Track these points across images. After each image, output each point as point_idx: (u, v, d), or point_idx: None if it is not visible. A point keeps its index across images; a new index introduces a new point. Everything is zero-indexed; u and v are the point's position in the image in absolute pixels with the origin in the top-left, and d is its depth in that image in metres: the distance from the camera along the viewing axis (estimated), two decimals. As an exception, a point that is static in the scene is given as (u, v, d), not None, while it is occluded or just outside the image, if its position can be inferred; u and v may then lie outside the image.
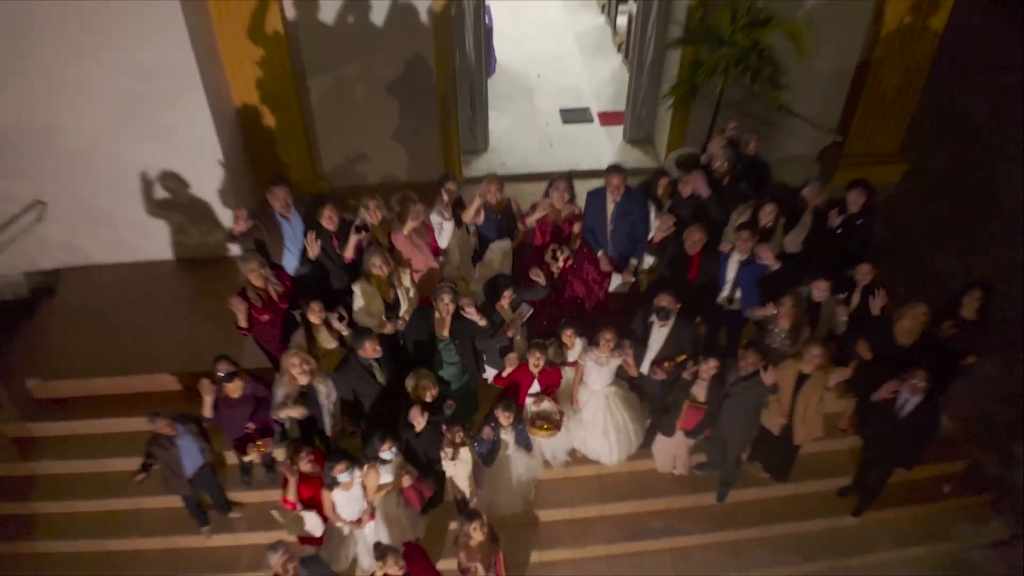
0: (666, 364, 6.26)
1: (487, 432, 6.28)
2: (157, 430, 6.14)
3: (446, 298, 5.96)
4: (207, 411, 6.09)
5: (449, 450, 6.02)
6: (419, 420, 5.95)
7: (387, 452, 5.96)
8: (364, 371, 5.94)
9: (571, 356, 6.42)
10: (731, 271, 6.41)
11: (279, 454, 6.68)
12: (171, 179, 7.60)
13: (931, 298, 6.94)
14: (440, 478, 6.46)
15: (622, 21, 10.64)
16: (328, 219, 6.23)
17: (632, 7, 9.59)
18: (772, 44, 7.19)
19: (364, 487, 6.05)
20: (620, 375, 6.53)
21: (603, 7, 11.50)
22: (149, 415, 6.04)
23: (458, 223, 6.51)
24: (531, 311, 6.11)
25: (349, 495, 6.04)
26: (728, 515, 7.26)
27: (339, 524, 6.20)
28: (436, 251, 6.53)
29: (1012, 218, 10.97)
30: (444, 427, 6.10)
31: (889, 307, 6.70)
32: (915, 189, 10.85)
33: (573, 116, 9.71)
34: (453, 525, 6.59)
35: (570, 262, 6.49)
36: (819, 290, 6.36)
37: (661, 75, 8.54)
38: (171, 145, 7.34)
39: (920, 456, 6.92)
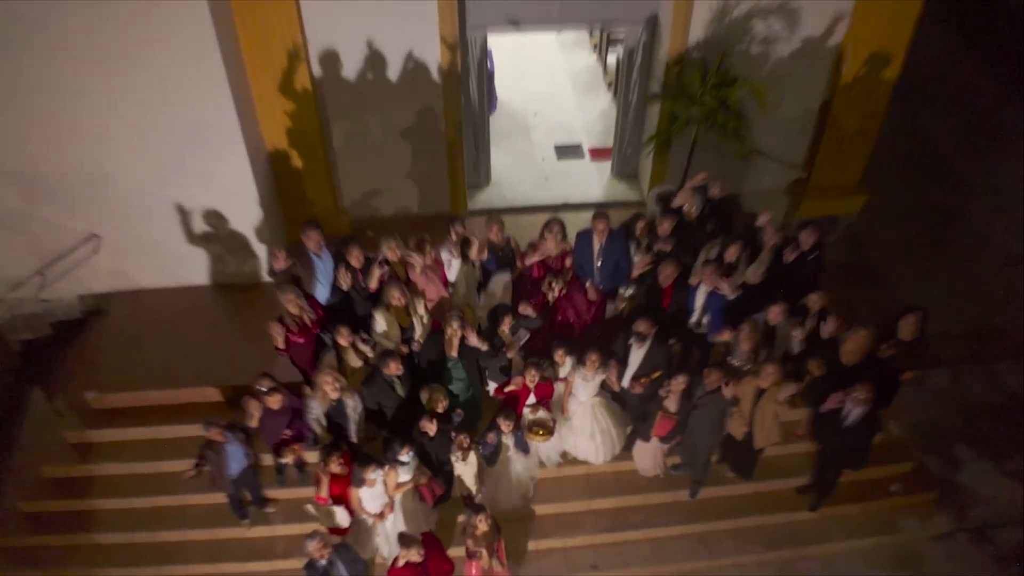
0: (643, 380, 7.41)
1: (490, 437, 7.42)
2: (209, 437, 7.27)
3: (455, 324, 7.10)
4: (253, 422, 7.22)
5: (458, 453, 7.16)
6: (431, 428, 7.09)
7: (405, 455, 7.09)
8: (387, 386, 7.09)
9: (562, 373, 7.56)
10: (699, 300, 7.55)
11: (311, 457, 7.84)
12: (212, 216, 8.75)
13: (888, 316, 8.09)
14: (449, 477, 7.58)
15: (612, 60, 11.76)
16: (355, 258, 7.38)
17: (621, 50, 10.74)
18: (740, 98, 8.33)
19: (385, 485, 7.19)
20: (604, 387, 7.66)
21: (595, 47, 12.61)
22: (204, 424, 7.17)
23: (465, 259, 7.67)
24: (527, 336, 7.25)
25: (373, 492, 7.16)
26: (699, 510, 8.39)
27: (364, 517, 7.33)
28: (446, 283, 7.68)
29: (969, 241, 12.11)
30: (453, 433, 7.24)
31: (843, 327, 7.84)
32: (880, 214, 11.95)
33: (566, 152, 10.87)
34: (461, 517, 7.74)
35: (563, 292, 7.64)
36: (774, 314, 7.50)
37: (644, 118, 9.69)
38: (213, 187, 8.49)
39: (865, 459, 8.03)
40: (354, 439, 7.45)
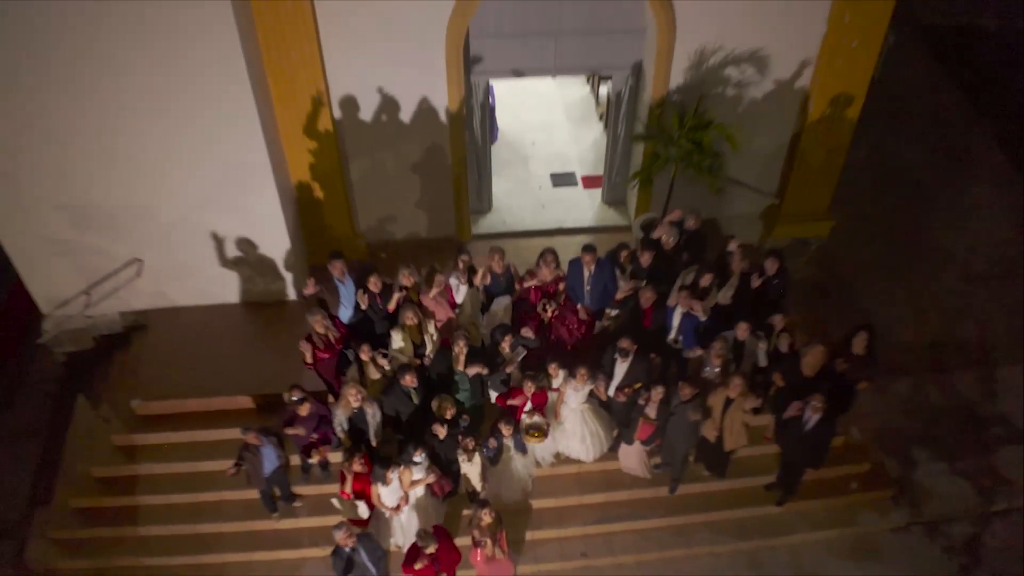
0: (627, 390, 8.56)
1: (491, 442, 8.57)
2: (247, 440, 8.42)
3: (461, 343, 8.26)
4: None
5: (464, 454, 8.31)
6: (442, 432, 8.24)
7: (418, 456, 8.23)
8: (404, 395, 8.24)
9: (555, 383, 8.71)
10: (676, 320, 8.71)
11: (334, 458, 9.00)
12: (244, 242, 9.90)
13: (842, 334, 9.23)
14: (457, 475, 8.73)
15: (604, 92, 12.90)
16: (374, 284, 8.54)
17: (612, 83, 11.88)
18: (714, 139, 9.49)
19: (401, 482, 8.33)
20: (592, 396, 8.81)
21: (588, 79, 13.75)
22: (243, 429, 8.32)
23: (470, 284, 8.83)
24: (525, 353, 8.40)
25: (390, 488, 8.30)
26: (678, 504, 9.58)
27: (382, 510, 8.48)
28: (453, 305, 8.85)
29: (933, 259, 13.24)
30: (460, 436, 8.39)
31: (803, 342, 8.98)
32: (850, 234, 13.09)
33: (561, 180, 12.03)
34: (467, 511, 8.88)
35: (556, 313, 8.79)
36: (741, 331, 8.66)
37: (631, 152, 10.84)
38: (246, 218, 9.65)
39: (823, 459, 9.19)
40: (373, 442, 8.58)
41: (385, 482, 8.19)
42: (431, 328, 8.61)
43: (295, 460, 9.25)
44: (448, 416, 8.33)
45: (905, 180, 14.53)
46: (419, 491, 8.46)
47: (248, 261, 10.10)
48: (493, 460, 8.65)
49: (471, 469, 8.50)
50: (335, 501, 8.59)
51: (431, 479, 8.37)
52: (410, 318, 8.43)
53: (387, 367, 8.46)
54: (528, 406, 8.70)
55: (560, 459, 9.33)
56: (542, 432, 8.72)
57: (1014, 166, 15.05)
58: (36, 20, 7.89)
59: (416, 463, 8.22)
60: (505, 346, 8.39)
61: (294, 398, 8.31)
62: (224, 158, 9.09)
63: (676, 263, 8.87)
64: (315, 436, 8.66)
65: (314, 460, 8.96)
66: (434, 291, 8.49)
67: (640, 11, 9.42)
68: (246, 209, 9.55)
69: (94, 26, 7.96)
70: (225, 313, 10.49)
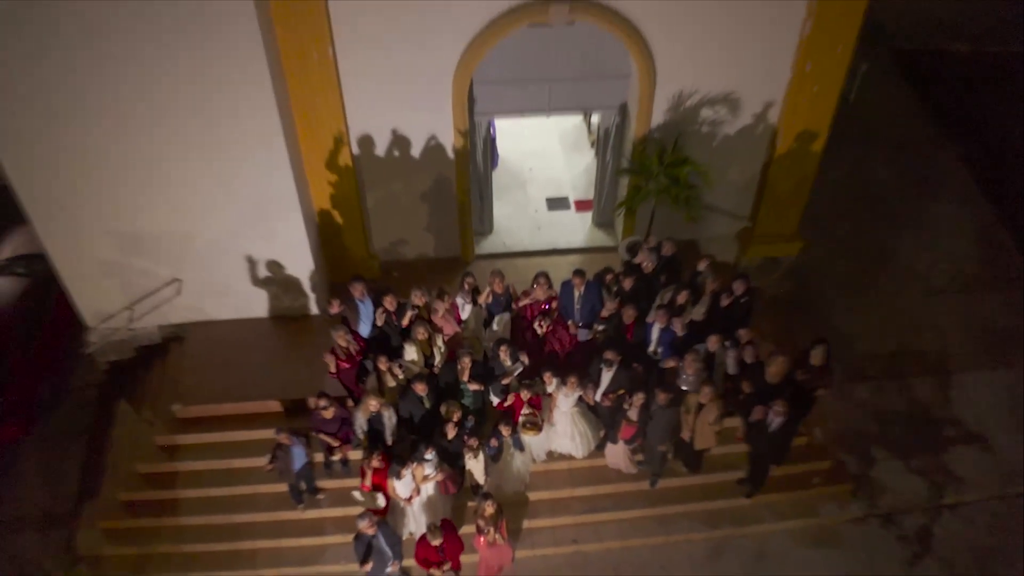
0: (611, 395, 9.87)
1: (493, 441, 9.88)
2: (280, 440, 9.72)
3: (466, 359, 9.59)
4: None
5: (470, 452, 9.62)
6: (451, 432, 9.55)
7: (429, 454, 9.52)
8: (417, 400, 9.56)
9: (548, 390, 10.01)
10: (655, 334, 10.02)
11: (354, 455, 10.30)
12: (272, 264, 11.22)
13: (802, 347, 10.53)
14: (462, 470, 10.04)
15: (595, 120, 14.19)
16: (389, 303, 9.87)
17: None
18: (689, 174, 10.80)
19: (413, 477, 9.62)
20: (581, 401, 10.11)
21: (581, 110, 15.07)
22: (276, 430, 9.62)
23: (474, 303, 10.15)
24: (522, 368, 9.73)
25: (404, 482, 9.59)
26: (658, 496, 10.89)
27: (397, 501, 9.78)
28: (459, 321, 10.16)
29: (898, 274, 14.53)
30: (466, 436, 9.69)
31: (767, 352, 10.28)
32: (821, 251, 14.38)
33: (556, 204, 13.35)
34: (472, 503, 10.18)
35: (550, 328, 10.10)
36: (712, 343, 9.97)
37: (617, 182, 12.15)
38: (274, 242, 10.97)
39: (785, 457, 10.51)
40: (389, 441, 9.89)
41: (399, 477, 9.49)
42: (439, 342, 9.92)
43: (319, 457, 10.57)
44: (455, 419, 9.63)
45: (874, 199, 15.82)
46: (429, 486, 9.76)
47: (276, 280, 11.41)
48: (494, 457, 9.96)
49: (475, 465, 9.81)
50: (356, 493, 9.90)
51: (440, 476, 9.66)
52: (421, 333, 9.75)
53: (401, 376, 9.77)
54: (525, 409, 10.02)
55: (553, 456, 10.66)
56: (537, 426, 10.03)
57: (978, 186, 16.34)
58: (92, 69, 9.14)
59: (427, 460, 9.51)
60: (504, 355, 9.69)
61: (322, 404, 9.62)
62: (256, 190, 10.39)
63: (655, 284, 10.19)
64: (337, 436, 9.99)
65: (336, 457, 10.29)
66: (442, 310, 9.80)
67: (625, 58, 10.71)
68: (275, 235, 10.87)
69: (146, 76, 9.24)
70: (255, 326, 11.80)
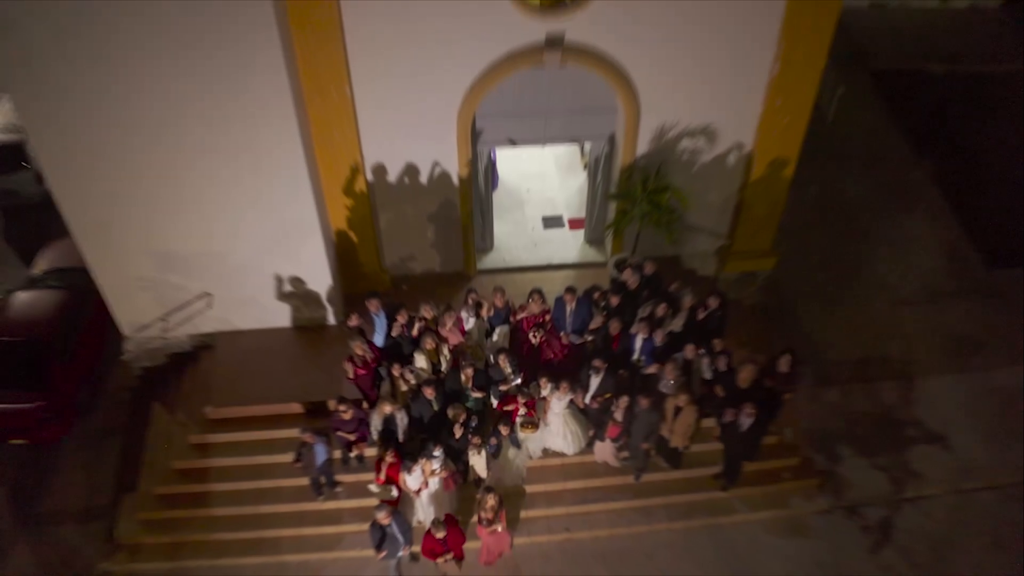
0: (599, 399, 11.16)
1: (494, 439, 11.16)
2: (304, 439, 11.00)
3: (469, 370, 10.87)
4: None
5: (473, 449, 10.91)
6: (458, 432, 10.84)
7: (436, 451, 10.80)
8: (427, 403, 10.85)
9: (543, 393, 11.30)
10: (638, 344, 11.31)
11: (370, 452, 11.60)
12: (295, 280, 12.52)
13: (771, 356, 11.81)
14: (466, 465, 11.32)
15: (587, 144, 15.45)
16: (401, 316, 11.16)
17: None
18: (670, 200, 12.09)
19: (423, 471, 10.90)
20: (572, 403, 11.39)
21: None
22: (301, 430, 10.92)
23: (477, 316, 11.44)
24: (519, 379, 11.01)
25: (414, 476, 10.87)
26: (642, 489, 12.20)
27: (408, 492, 11.07)
28: (463, 332, 11.45)
29: (868, 286, 15.81)
30: (470, 435, 10.97)
31: (739, 360, 11.55)
32: (796, 264, 15.64)
33: (551, 222, 14.66)
34: (478, 495, 11.44)
35: (544, 338, 11.39)
36: (689, 352, 11.26)
37: (607, 204, 13.44)
38: (296, 261, 12.27)
39: (756, 454, 11.79)
40: (401, 440, 11.18)
41: (410, 471, 10.78)
42: (446, 351, 11.22)
43: (337, 454, 11.85)
44: (461, 420, 10.92)
45: (848, 214, 17.09)
46: (436, 480, 11.03)
47: (297, 294, 12.72)
48: (495, 454, 11.24)
49: (478, 461, 11.10)
50: (371, 486, 11.21)
51: (445, 473, 10.94)
52: (430, 343, 11.05)
53: (412, 381, 11.07)
54: (522, 411, 11.31)
55: (548, 453, 11.96)
56: (534, 425, 11.33)
57: (947, 202, 17.61)
58: (138, 112, 10.42)
59: (435, 456, 10.79)
60: (504, 363, 10.99)
61: (341, 407, 10.92)
62: (280, 214, 11.69)
63: (638, 299, 11.49)
64: (354, 435, 11.29)
65: (354, 454, 11.59)
66: (449, 323, 11.11)
67: (613, 94, 11.98)
68: (297, 254, 12.17)
69: (185, 117, 10.52)
70: (278, 335, 13.11)
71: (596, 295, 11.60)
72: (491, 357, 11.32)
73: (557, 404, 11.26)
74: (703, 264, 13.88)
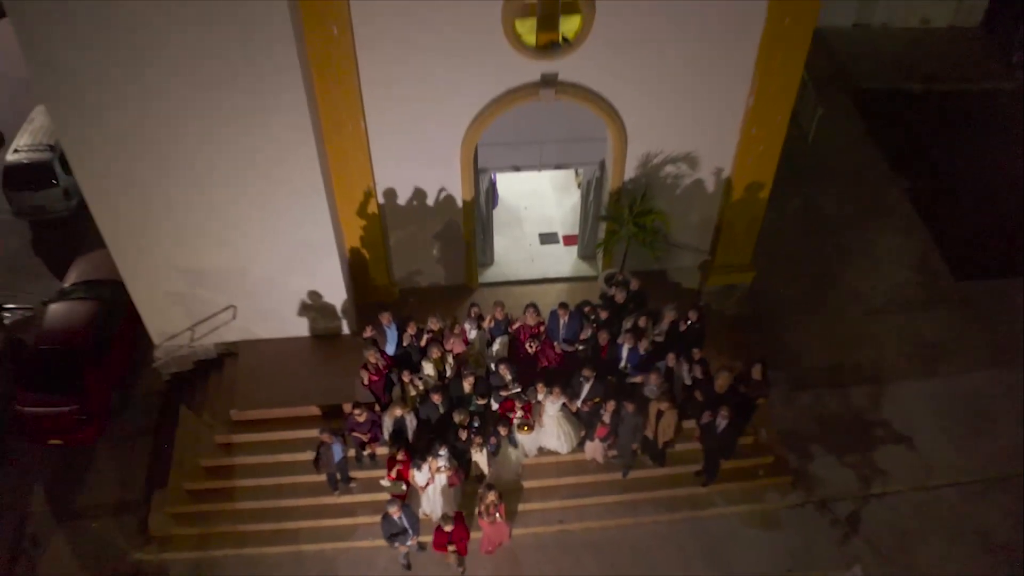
0: (589, 403, 12.45)
1: (494, 439, 12.45)
2: (322, 439, 12.28)
3: (471, 378, 12.15)
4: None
5: (475, 448, 12.20)
6: (464, 435, 12.10)
7: (442, 450, 12.08)
8: (433, 407, 12.14)
9: (539, 397, 12.57)
10: (624, 353, 12.60)
11: (381, 451, 12.89)
12: (312, 293, 13.82)
13: (745, 365, 13.07)
14: (468, 462, 12.60)
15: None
16: (411, 327, 12.46)
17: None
18: (655, 221, 13.39)
19: (429, 468, 12.17)
20: (565, 407, 12.66)
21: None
22: (320, 431, 12.19)
23: (479, 327, 12.73)
24: (518, 388, 12.29)
25: (421, 473, 12.15)
26: (629, 485, 13.48)
27: (416, 487, 12.34)
28: (466, 342, 12.74)
29: (842, 297, 17.07)
30: (472, 435, 12.25)
31: (716, 367, 12.83)
32: (774, 277, 16.90)
33: (547, 239, 15.96)
34: (480, 490, 12.71)
35: (539, 348, 12.67)
36: (670, 360, 12.55)
37: (598, 224, 14.73)
38: (314, 277, 13.57)
39: (732, 453, 13.07)
40: (410, 440, 12.46)
41: (419, 468, 12.06)
42: (450, 359, 12.51)
43: (352, 452, 13.12)
44: (465, 423, 12.20)
45: (825, 229, 18.37)
46: (442, 477, 12.29)
47: (314, 306, 14.01)
48: (495, 452, 12.52)
49: (480, 458, 12.39)
50: (383, 482, 12.48)
51: (450, 470, 12.19)
52: (436, 352, 12.35)
53: (420, 387, 12.36)
54: (520, 413, 12.60)
55: (543, 452, 13.28)
56: (530, 426, 12.62)
57: (920, 216, 18.89)
58: (171, 145, 11.67)
59: (440, 455, 12.05)
60: (505, 371, 12.28)
61: (356, 411, 12.21)
62: (300, 235, 12.97)
63: (624, 312, 12.79)
64: (368, 436, 12.58)
65: (367, 453, 12.89)
66: (454, 336, 12.42)
67: (602, 125, 13.27)
68: (314, 270, 13.47)
69: (218, 149, 11.78)
70: (296, 344, 14.40)
71: (587, 309, 12.91)
72: (492, 365, 12.60)
73: (551, 407, 12.54)
74: (687, 278, 15.17)
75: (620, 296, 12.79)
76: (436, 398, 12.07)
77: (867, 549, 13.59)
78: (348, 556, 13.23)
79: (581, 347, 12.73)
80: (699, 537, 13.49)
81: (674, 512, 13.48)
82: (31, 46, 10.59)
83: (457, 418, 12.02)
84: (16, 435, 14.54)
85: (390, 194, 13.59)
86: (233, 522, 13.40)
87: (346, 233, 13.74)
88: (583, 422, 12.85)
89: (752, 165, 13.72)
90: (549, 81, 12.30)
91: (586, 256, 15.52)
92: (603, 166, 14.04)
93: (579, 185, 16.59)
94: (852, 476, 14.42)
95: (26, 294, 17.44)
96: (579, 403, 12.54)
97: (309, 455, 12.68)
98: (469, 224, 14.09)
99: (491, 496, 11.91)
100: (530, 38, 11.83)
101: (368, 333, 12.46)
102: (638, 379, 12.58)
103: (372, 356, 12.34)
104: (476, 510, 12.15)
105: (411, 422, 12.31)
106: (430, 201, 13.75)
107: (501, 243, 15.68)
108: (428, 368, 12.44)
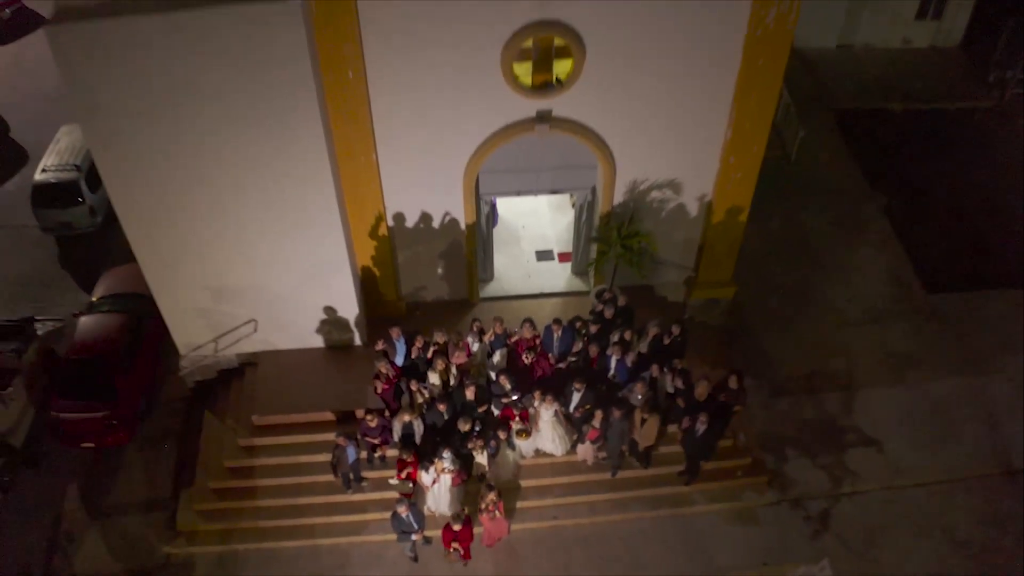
0: (580, 409, 13.82)
1: (493, 442, 13.80)
2: (338, 442, 13.62)
3: (473, 388, 13.50)
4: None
5: (477, 450, 13.55)
6: (471, 444, 13.44)
7: (446, 453, 13.41)
8: (439, 413, 13.49)
9: (535, 404, 13.91)
10: (612, 364, 13.96)
11: (391, 453, 14.24)
12: (327, 308, 15.18)
13: (726, 373, 14.41)
14: (470, 464, 13.93)
15: (576, 189, 18.10)
16: (419, 340, 13.82)
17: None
18: (641, 243, 14.75)
19: (435, 469, 13.50)
20: (558, 412, 14.02)
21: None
22: (336, 435, 13.55)
23: (480, 340, 14.10)
24: (517, 396, 13.64)
25: (428, 473, 13.48)
26: (617, 484, 14.81)
27: (422, 486, 13.67)
28: (469, 354, 14.10)
29: (819, 308, 18.39)
30: (474, 438, 13.58)
31: (696, 377, 14.17)
32: (757, 289, 18.24)
33: (543, 256, 17.33)
34: (484, 488, 14.01)
35: (535, 359, 14.01)
36: (654, 371, 13.90)
37: (590, 244, 16.10)
38: (328, 293, 14.92)
39: (711, 455, 14.39)
40: (418, 443, 13.81)
41: (426, 469, 13.40)
42: (453, 370, 13.88)
43: (363, 454, 14.46)
44: (468, 429, 13.54)
45: (804, 244, 19.67)
46: (447, 477, 13.61)
47: (329, 320, 15.38)
48: (494, 454, 13.89)
49: (481, 459, 13.75)
50: (392, 481, 13.84)
51: (453, 472, 13.50)
52: (441, 364, 13.71)
53: (427, 395, 13.73)
54: (517, 419, 13.96)
55: (539, 453, 14.64)
56: (527, 433, 13.98)
57: (895, 232, 20.20)
58: (201, 176, 13.01)
59: (445, 457, 13.38)
60: (505, 381, 13.63)
61: (369, 416, 13.57)
62: (317, 255, 14.33)
63: (612, 327, 14.16)
64: (378, 439, 13.96)
65: (378, 455, 14.26)
66: (458, 353, 13.81)
67: (593, 154, 14.63)
68: (329, 287, 14.83)
69: (240, 180, 13.12)
70: (312, 354, 15.76)
71: (578, 324, 14.27)
72: (492, 375, 13.97)
73: (546, 413, 13.90)
74: (673, 292, 16.54)
75: (609, 312, 14.17)
76: (441, 407, 13.41)
77: (837, 544, 14.87)
78: (360, 549, 14.56)
79: (573, 359, 14.08)
80: (682, 532, 14.80)
81: (659, 509, 14.81)
82: (72, 80, 11.76)
83: (463, 427, 13.35)
84: (51, 439, 15.84)
85: (399, 217, 14.96)
86: (255, 518, 14.73)
87: (358, 253, 15.10)
88: (575, 426, 14.21)
89: (731, 190, 15.06)
90: (544, 117, 13.66)
91: (579, 272, 16.89)
92: (594, 191, 15.39)
93: (573, 205, 17.94)
94: (824, 476, 15.73)
95: (55, 306, 18.80)
96: (571, 409, 13.89)
97: (325, 457, 14.06)
98: (471, 244, 15.45)
99: (491, 495, 13.25)
100: (526, 79, 13.20)
101: (380, 346, 13.82)
102: (625, 393, 13.93)
103: (383, 367, 13.69)
104: (477, 507, 13.49)
105: (418, 427, 13.65)
106: (435, 224, 15.11)
107: (500, 260, 17.03)
108: (433, 378, 13.80)
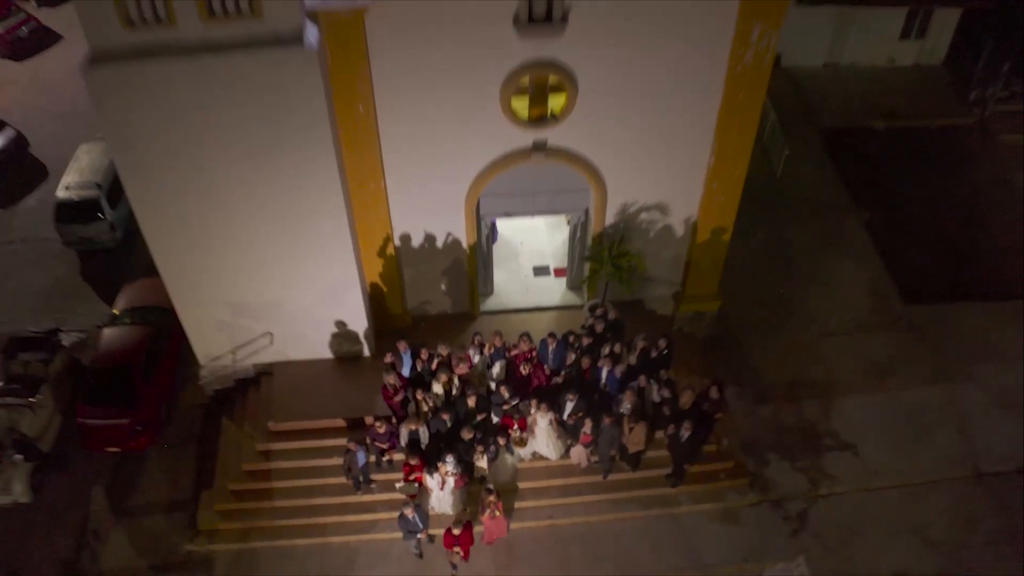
0: (574, 417, 15.04)
1: (493, 447, 15.03)
2: (348, 447, 14.85)
3: (473, 398, 14.72)
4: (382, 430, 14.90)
5: (478, 454, 14.77)
6: (476, 454, 14.67)
7: (450, 457, 14.63)
8: (443, 421, 14.72)
9: (532, 412, 15.14)
10: (603, 375, 15.19)
11: (399, 457, 15.48)
12: (338, 322, 16.42)
13: (708, 384, 15.63)
14: (472, 468, 15.15)
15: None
16: (424, 353, 15.06)
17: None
18: (630, 261, 15.99)
19: (439, 472, 14.72)
20: (553, 419, 15.25)
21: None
22: (347, 440, 14.78)
23: (481, 352, 15.33)
24: (516, 400, 14.87)
25: (433, 476, 14.69)
26: (609, 486, 16.00)
27: (427, 488, 14.89)
28: (470, 365, 15.33)
29: (801, 320, 19.54)
30: (475, 444, 14.79)
31: (681, 387, 15.40)
32: (741, 301, 19.36)
33: (540, 271, 18.57)
34: (484, 490, 15.22)
35: (531, 370, 15.25)
36: (641, 381, 15.13)
37: (583, 263, 17.33)
38: (340, 308, 16.16)
39: (696, 459, 15.59)
40: (423, 448, 15.03)
41: (431, 473, 14.63)
42: (456, 381, 15.12)
43: (372, 458, 15.68)
44: (471, 438, 14.75)
45: (787, 258, 20.80)
46: (450, 480, 14.81)
47: (340, 333, 16.63)
48: (494, 458, 15.12)
49: (481, 463, 14.98)
50: (398, 485, 15.07)
51: (456, 475, 14.71)
52: (444, 376, 14.94)
53: (431, 404, 14.97)
54: (515, 428, 15.20)
55: (535, 457, 15.86)
56: (524, 441, 15.22)
57: (875, 246, 21.34)
58: (223, 202, 14.19)
59: (448, 461, 14.59)
60: (504, 391, 14.86)
61: (377, 422, 14.81)
62: (329, 275, 15.56)
63: (603, 340, 15.40)
64: (387, 444, 15.20)
65: (386, 458, 15.49)
66: (462, 366, 15.04)
67: (586, 180, 15.86)
68: (340, 303, 16.07)
69: (259, 209, 14.33)
70: (324, 365, 16.99)
71: (571, 338, 15.52)
72: (492, 385, 15.22)
73: (542, 420, 15.14)
74: (662, 306, 17.79)
75: (600, 326, 15.42)
76: (445, 416, 14.65)
77: (814, 542, 16.00)
78: (368, 547, 15.73)
79: (566, 370, 15.32)
80: (670, 530, 15.95)
81: (648, 509, 16.01)
82: (106, 117, 12.90)
83: (466, 436, 14.57)
84: (78, 444, 16.99)
85: (405, 238, 16.21)
86: (271, 518, 15.94)
87: (367, 271, 16.34)
88: (569, 432, 15.44)
89: (715, 212, 16.28)
90: (540, 147, 14.91)
91: (574, 287, 18.14)
92: (587, 212, 16.62)
93: (568, 222, 19.19)
94: (803, 479, 16.88)
95: (76, 316, 19.98)
96: (565, 417, 15.13)
97: (336, 460, 15.28)
98: (472, 262, 16.70)
99: (491, 496, 14.48)
100: (524, 113, 14.44)
101: (388, 358, 15.06)
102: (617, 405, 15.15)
103: (391, 377, 14.92)
104: (478, 507, 14.71)
105: (423, 433, 14.88)
106: (439, 243, 16.36)
107: (500, 275, 18.27)
108: (437, 388, 15.04)
